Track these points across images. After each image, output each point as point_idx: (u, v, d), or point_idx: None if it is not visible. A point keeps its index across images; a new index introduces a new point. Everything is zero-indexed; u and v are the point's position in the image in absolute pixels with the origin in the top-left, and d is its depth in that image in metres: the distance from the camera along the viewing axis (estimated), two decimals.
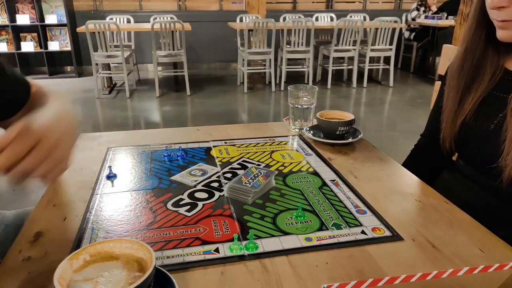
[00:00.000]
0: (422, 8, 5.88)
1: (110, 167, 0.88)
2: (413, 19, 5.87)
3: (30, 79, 0.82)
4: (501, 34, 0.77)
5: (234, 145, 1.05)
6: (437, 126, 0.93)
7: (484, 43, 0.83)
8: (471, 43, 0.84)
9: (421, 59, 6.11)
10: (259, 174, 0.83)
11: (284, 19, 5.51)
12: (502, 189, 0.76)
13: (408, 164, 1.04)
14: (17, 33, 5.54)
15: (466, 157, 0.91)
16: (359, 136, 1.06)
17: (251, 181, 0.80)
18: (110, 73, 4.91)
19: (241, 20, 5.56)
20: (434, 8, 5.86)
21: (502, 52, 0.82)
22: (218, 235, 0.65)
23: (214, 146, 1.04)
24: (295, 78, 5.45)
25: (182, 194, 0.79)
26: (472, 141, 0.85)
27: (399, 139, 3.36)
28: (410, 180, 0.87)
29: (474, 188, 0.87)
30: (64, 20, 5.58)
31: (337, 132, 1.04)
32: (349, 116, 1.07)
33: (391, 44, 5.02)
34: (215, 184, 0.83)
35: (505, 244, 0.64)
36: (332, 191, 0.80)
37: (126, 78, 4.63)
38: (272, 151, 1.01)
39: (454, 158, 1.01)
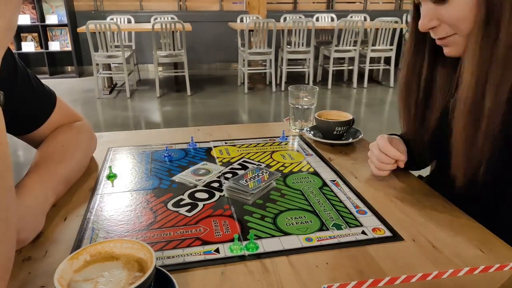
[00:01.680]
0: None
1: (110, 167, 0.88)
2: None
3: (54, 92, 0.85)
4: (446, 51, 0.74)
5: (234, 145, 1.05)
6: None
7: (428, 59, 0.80)
8: (414, 62, 0.81)
9: None
10: (260, 174, 0.83)
11: (285, 19, 5.51)
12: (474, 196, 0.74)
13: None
14: (18, 33, 5.55)
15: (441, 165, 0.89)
16: (360, 136, 1.06)
17: (253, 179, 0.80)
18: (111, 73, 4.91)
19: (241, 20, 5.57)
20: None
21: (450, 65, 0.79)
22: (218, 235, 0.65)
23: (214, 146, 1.04)
24: (295, 79, 5.45)
25: (183, 194, 0.79)
26: (440, 149, 0.81)
27: None
28: (411, 180, 0.87)
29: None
30: (65, 20, 5.58)
31: (334, 132, 1.04)
32: (347, 117, 1.07)
33: (391, 44, 5.02)
34: (216, 184, 0.83)
35: (505, 244, 0.64)
36: (332, 191, 0.80)
37: (126, 78, 4.63)
38: (273, 152, 1.01)
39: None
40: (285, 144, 1.06)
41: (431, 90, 0.82)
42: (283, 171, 0.90)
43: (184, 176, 0.85)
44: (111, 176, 0.86)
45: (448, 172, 0.74)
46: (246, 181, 0.79)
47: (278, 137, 1.10)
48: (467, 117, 0.68)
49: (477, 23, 0.65)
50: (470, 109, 0.68)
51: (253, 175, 0.82)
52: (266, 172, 0.83)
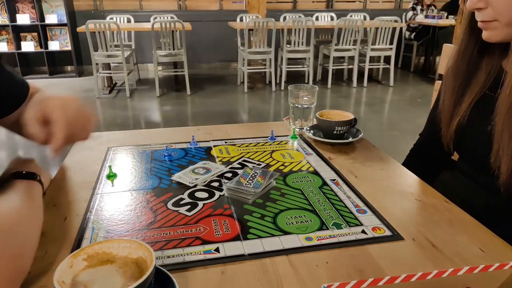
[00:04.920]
0: (419, 7, 5.87)
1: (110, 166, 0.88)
2: (410, 19, 5.87)
3: (32, 82, 0.83)
4: (484, 35, 0.77)
5: (234, 144, 1.05)
6: (435, 126, 0.93)
7: (479, 44, 0.82)
8: (465, 45, 0.84)
9: (425, 58, 6.09)
10: (256, 174, 0.83)
11: (284, 18, 5.51)
12: (499, 188, 0.76)
13: (408, 163, 1.04)
14: (17, 32, 5.54)
15: (465, 157, 0.92)
16: (360, 135, 1.06)
17: (251, 181, 0.80)
18: (110, 73, 4.91)
19: (241, 20, 5.56)
20: (428, 1, 5.84)
21: (498, 52, 0.82)
22: (218, 234, 0.65)
23: (214, 146, 1.04)
24: (295, 78, 5.45)
25: (183, 194, 0.79)
26: (469, 141, 0.86)
27: (400, 138, 3.36)
28: (411, 180, 0.87)
29: (474, 187, 0.87)
30: (64, 19, 5.58)
31: (335, 132, 1.04)
32: (348, 116, 1.07)
33: (391, 43, 5.02)
34: (216, 184, 0.83)
35: (505, 243, 0.64)
36: (332, 190, 0.80)
37: (126, 77, 4.63)
38: (273, 151, 1.01)
39: (454, 157, 1.01)
40: (285, 143, 1.06)
41: (474, 74, 0.85)
42: (283, 171, 0.90)
43: (183, 175, 0.85)
44: (111, 176, 0.86)
45: (469, 160, 0.81)
46: (246, 183, 0.79)
47: (278, 136, 1.10)
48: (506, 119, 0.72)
49: None
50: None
51: (248, 179, 0.81)
52: (258, 175, 0.83)
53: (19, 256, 0.52)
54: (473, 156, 0.87)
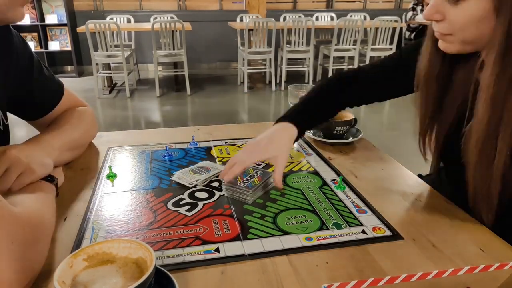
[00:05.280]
0: (419, 7, 5.87)
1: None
2: (410, 19, 5.87)
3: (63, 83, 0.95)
4: (440, 45, 0.74)
5: (234, 144, 1.05)
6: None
7: (451, 55, 0.76)
8: (430, 53, 0.79)
9: None
10: (255, 174, 0.83)
11: (284, 18, 5.51)
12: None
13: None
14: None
15: (448, 160, 0.88)
16: (360, 135, 1.06)
17: (246, 181, 0.80)
18: (111, 73, 4.91)
19: (241, 20, 5.56)
20: (428, 1, 5.84)
21: (473, 60, 0.76)
22: (218, 234, 0.65)
23: (214, 146, 1.04)
24: (295, 78, 5.45)
25: (183, 194, 0.79)
26: (454, 149, 0.79)
27: (400, 138, 3.36)
28: (411, 180, 0.87)
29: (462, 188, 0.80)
30: (64, 20, 5.58)
31: (335, 132, 1.03)
32: (348, 116, 1.06)
33: (391, 43, 5.02)
34: (215, 184, 0.83)
35: (505, 243, 0.64)
36: (332, 190, 0.80)
37: (126, 78, 4.63)
38: None
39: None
40: None
41: (449, 88, 0.79)
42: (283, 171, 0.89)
43: (182, 175, 0.85)
44: (111, 176, 0.86)
45: (456, 176, 0.73)
46: (243, 182, 0.79)
47: None
48: (478, 155, 0.68)
49: (496, 52, 0.63)
50: (482, 147, 0.67)
51: (245, 179, 0.81)
52: (257, 175, 0.83)
53: (32, 259, 0.54)
54: (457, 163, 0.78)
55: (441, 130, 0.81)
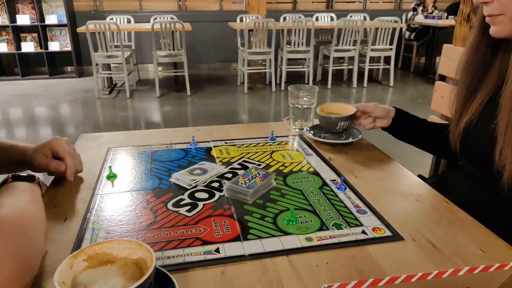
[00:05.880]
0: (420, 8, 5.87)
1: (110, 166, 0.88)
2: (410, 19, 5.87)
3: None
4: (491, 31, 0.76)
5: (234, 145, 1.05)
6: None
7: (493, 41, 0.79)
8: (479, 40, 0.82)
9: (426, 58, 6.08)
10: (257, 175, 0.83)
11: (284, 19, 5.50)
12: (503, 189, 0.75)
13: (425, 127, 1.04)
14: (18, 33, 5.54)
15: (469, 157, 0.90)
16: (360, 136, 1.06)
17: (248, 182, 0.80)
18: (111, 73, 4.91)
19: (241, 20, 5.56)
20: (430, 9, 5.85)
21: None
22: (218, 235, 0.65)
23: (214, 146, 1.04)
24: (295, 78, 5.44)
25: (183, 194, 0.78)
26: (476, 141, 0.84)
27: None
28: (411, 180, 0.87)
29: (477, 188, 0.86)
30: (64, 20, 5.57)
31: (337, 128, 1.03)
32: (350, 110, 1.05)
33: (391, 44, 5.02)
34: (216, 184, 0.83)
35: (505, 243, 0.64)
36: (332, 191, 0.80)
37: (126, 78, 4.63)
38: (273, 151, 1.01)
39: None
40: (285, 143, 1.06)
41: (486, 74, 0.82)
42: (283, 171, 0.89)
43: (180, 176, 0.85)
44: (111, 176, 0.86)
45: (468, 170, 0.76)
46: (244, 182, 0.79)
47: (278, 136, 1.10)
48: (509, 118, 0.70)
49: None
50: None
51: (247, 179, 0.81)
52: (259, 176, 0.83)
53: (29, 257, 0.53)
54: (478, 156, 0.85)
55: (469, 114, 0.84)
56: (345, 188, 0.81)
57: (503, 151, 0.72)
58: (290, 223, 0.69)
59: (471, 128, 0.84)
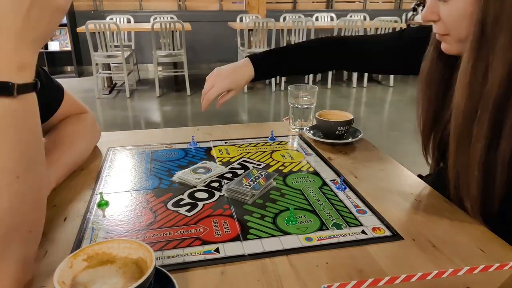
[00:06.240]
0: (420, 8, 5.88)
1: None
2: (410, 19, 5.87)
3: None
4: (441, 46, 0.75)
5: (234, 145, 1.05)
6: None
7: (447, 56, 0.77)
8: (436, 55, 0.80)
9: None
10: (259, 176, 0.83)
11: (284, 19, 5.51)
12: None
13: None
14: None
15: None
16: (359, 136, 1.06)
17: (252, 183, 0.80)
18: (110, 73, 4.91)
19: (241, 20, 5.57)
20: None
21: None
22: (218, 235, 0.65)
23: (214, 146, 1.04)
24: (295, 78, 5.45)
25: (182, 194, 0.78)
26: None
27: (400, 138, 3.36)
28: (411, 180, 0.87)
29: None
30: (64, 20, 5.57)
31: (336, 132, 1.04)
32: (348, 116, 1.07)
33: None
34: (215, 184, 0.83)
35: (505, 243, 0.64)
36: (332, 190, 0.80)
37: (126, 78, 4.63)
38: (272, 151, 1.01)
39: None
40: (285, 143, 1.06)
41: (449, 90, 0.79)
42: (283, 171, 0.90)
43: (184, 175, 0.85)
44: (102, 204, 0.74)
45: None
46: (248, 183, 0.79)
47: (278, 136, 1.10)
48: (456, 142, 0.69)
49: (471, 43, 0.65)
50: (459, 133, 0.68)
51: (250, 180, 0.81)
52: (262, 177, 0.83)
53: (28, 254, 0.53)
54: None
55: (440, 130, 0.82)
56: (345, 188, 0.81)
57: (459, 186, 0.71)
58: (290, 223, 0.69)
59: (445, 144, 0.81)
